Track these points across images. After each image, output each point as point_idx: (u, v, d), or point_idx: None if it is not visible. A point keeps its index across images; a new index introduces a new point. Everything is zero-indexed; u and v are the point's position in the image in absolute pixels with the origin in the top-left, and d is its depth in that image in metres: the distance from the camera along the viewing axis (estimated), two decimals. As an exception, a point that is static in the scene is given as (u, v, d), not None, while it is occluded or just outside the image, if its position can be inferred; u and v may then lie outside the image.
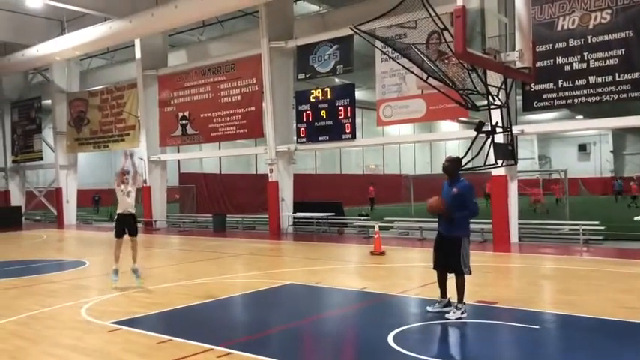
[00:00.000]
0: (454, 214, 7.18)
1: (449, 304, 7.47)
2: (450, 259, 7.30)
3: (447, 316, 7.19)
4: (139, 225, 10.77)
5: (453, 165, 7.42)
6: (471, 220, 7.53)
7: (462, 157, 7.83)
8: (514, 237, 15.66)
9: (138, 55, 24.63)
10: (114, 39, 22.43)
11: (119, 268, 9.96)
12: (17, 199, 30.89)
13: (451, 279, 7.44)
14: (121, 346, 6.39)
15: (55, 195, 29.02)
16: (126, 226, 10.04)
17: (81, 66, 29.88)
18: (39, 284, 10.73)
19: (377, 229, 14.79)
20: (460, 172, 7.55)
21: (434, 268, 7.57)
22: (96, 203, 37.04)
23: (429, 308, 7.57)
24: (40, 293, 9.81)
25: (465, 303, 7.29)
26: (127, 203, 10.06)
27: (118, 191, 10.12)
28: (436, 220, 7.61)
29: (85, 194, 33.40)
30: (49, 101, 29.34)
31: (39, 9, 24.46)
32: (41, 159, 29.71)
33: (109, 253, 10.36)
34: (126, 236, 10.11)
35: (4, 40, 25.76)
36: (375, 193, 32.98)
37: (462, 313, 7.17)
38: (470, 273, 7.33)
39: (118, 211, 10.13)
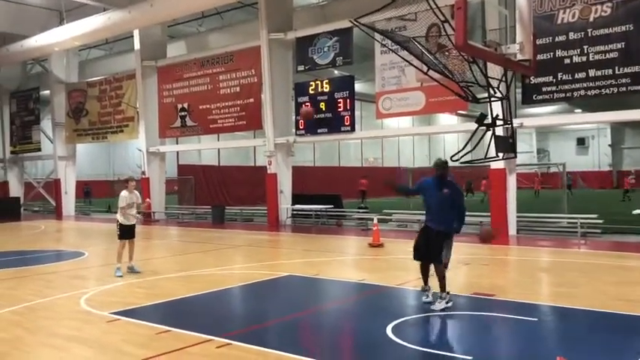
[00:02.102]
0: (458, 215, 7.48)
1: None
2: (433, 250, 7.39)
3: (432, 307, 7.25)
4: (139, 216, 10.99)
5: (448, 168, 7.60)
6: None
7: (461, 150, 7.85)
8: (512, 230, 15.68)
9: (137, 45, 24.54)
10: (113, 29, 22.30)
11: (122, 267, 10.35)
12: (16, 190, 30.85)
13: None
14: (120, 336, 6.40)
15: (54, 186, 29.01)
16: (129, 233, 10.63)
17: (79, 57, 29.75)
18: (38, 275, 10.74)
19: (375, 221, 14.81)
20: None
21: (419, 259, 7.65)
22: (86, 194, 36.76)
23: (425, 299, 7.61)
24: (39, 284, 9.82)
25: (448, 292, 7.36)
26: (131, 216, 10.60)
27: (125, 205, 10.46)
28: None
29: (80, 185, 33.29)
30: (47, 92, 29.24)
31: (37, -1, 24.37)
32: (39, 150, 29.65)
33: (108, 244, 10.43)
34: None
35: (2, 31, 25.58)
36: (368, 186, 32.40)
37: (447, 303, 7.21)
38: (442, 262, 7.50)
39: (122, 222, 10.53)
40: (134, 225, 10.76)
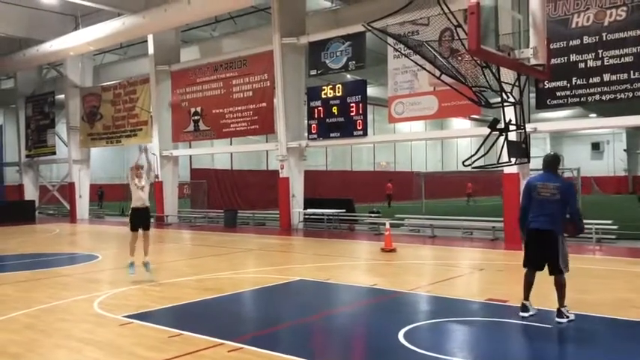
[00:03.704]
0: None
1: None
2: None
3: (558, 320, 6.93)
4: (150, 220, 10.90)
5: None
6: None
7: (473, 155, 7.81)
8: (526, 235, 15.52)
9: (151, 50, 24.75)
10: (127, 34, 22.53)
11: (135, 262, 10.16)
12: (31, 193, 31.17)
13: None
14: (133, 339, 6.43)
15: (68, 189, 29.27)
16: (140, 219, 10.23)
17: (94, 61, 30.06)
18: (52, 277, 10.83)
19: (388, 226, 14.76)
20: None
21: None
22: (99, 197, 37.01)
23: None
24: (52, 286, 9.90)
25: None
26: (141, 197, 10.22)
27: (132, 185, 10.22)
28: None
29: (93, 188, 33.58)
30: (62, 96, 29.55)
31: (53, 4, 24.65)
32: (54, 153, 29.98)
33: (121, 247, 10.49)
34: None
35: (19, 36, 25.95)
36: (393, 190, 33.92)
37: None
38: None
39: (133, 205, 10.26)
40: (147, 210, 10.28)
